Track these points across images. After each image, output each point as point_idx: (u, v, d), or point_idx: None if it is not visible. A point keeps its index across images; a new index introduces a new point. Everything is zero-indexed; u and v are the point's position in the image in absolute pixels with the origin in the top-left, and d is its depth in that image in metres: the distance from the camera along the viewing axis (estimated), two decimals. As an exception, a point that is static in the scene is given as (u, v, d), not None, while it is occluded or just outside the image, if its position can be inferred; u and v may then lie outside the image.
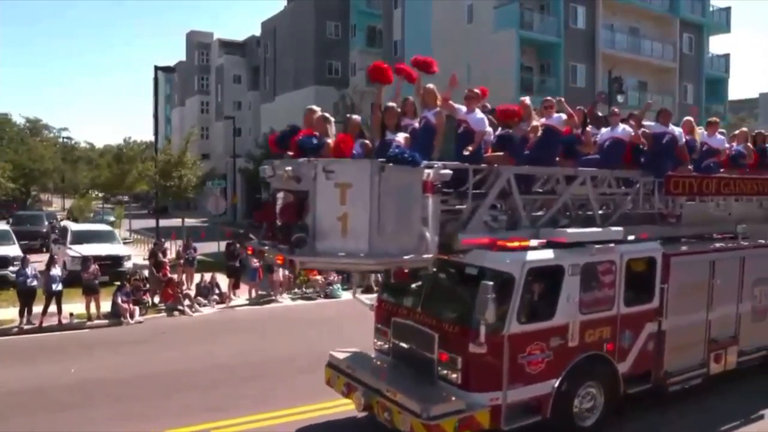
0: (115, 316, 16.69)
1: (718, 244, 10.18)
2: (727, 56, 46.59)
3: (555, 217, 8.73)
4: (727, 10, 45.81)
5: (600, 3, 39.94)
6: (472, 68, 38.99)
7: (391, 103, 8.01)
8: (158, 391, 10.74)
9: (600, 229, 8.43)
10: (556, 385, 7.97)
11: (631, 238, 8.84)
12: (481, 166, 8.04)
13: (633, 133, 9.27)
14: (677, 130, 9.87)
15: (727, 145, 11.13)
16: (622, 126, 9.37)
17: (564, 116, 8.62)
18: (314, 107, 7.92)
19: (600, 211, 9.63)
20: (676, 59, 43.13)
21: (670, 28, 43.20)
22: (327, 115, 7.74)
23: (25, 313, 15.85)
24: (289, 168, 7.10)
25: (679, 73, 43.35)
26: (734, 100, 57.48)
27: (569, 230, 8.09)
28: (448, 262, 8.12)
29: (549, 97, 8.82)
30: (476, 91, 8.47)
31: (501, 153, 8.31)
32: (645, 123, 10.01)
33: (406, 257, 6.90)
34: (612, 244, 8.36)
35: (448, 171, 7.23)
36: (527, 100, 8.61)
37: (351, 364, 8.62)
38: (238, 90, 65.74)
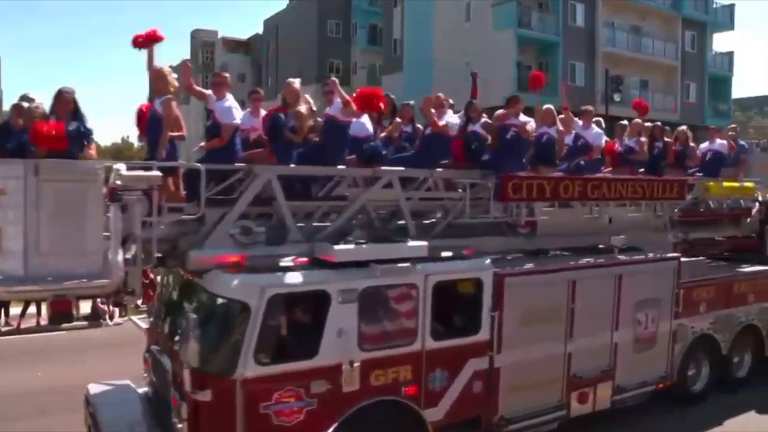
0: (95, 317, 15.58)
1: (584, 260, 8.09)
2: (730, 54, 43.25)
3: (349, 229, 6.81)
4: (731, 7, 42.52)
5: (600, 1, 37.56)
6: (471, 67, 37.10)
7: None
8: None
9: (388, 245, 6.47)
10: (326, 438, 6.10)
11: (447, 254, 6.85)
12: (231, 166, 6.22)
13: (445, 124, 7.28)
14: (523, 120, 7.81)
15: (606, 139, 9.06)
16: (448, 116, 7.41)
17: (339, 101, 6.68)
18: (27, 94, 6.18)
19: (433, 220, 7.73)
20: (678, 57, 40.33)
21: (673, 26, 40.46)
22: (27, 105, 6.00)
23: (2, 315, 14.91)
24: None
25: (682, 71, 40.60)
26: (744, 97, 53.91)
27: (339, 247, 6.16)
28: (193, 284, 6.33)
29: (332, 78, 6.92)
30: (225, 75, 6.65)
31: (260, 150, 6.47)
32: (499, 113, 8.03)
33: (68, 283, 5.14)
34: (410, 264, 6.42)
35: (150, 173, 5.43)
36: (296, 83, 6.71)
37: (97, 401, 6.88)
38: (243, 88, 63.30)
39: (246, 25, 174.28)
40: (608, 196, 8.24)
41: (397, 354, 6.45)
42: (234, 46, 65.09)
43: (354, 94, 6.69)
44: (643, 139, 9.22)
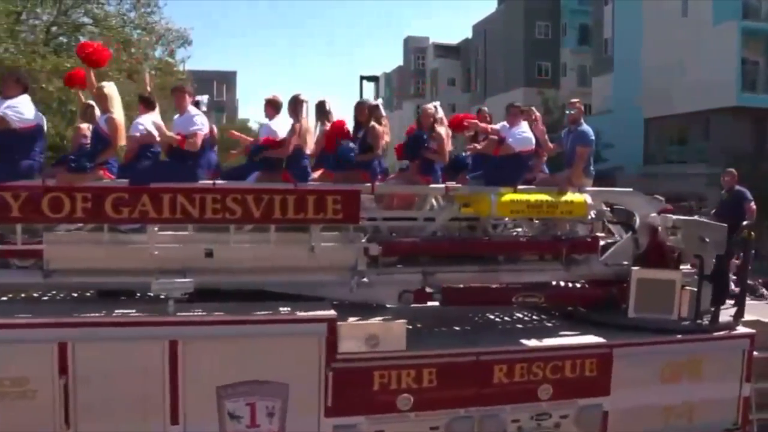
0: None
1: (97, 314, 4.96)
2: None
3: None
4: None
5: None
6: (687, 65, 30.33)
7: None
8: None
9: None
10: None
11: None
12: None
13: None
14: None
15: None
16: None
17: None
18: None
19: None
20: None
21: None
22: None
23: None
24: None
25: None
26: None
27: None
28: None
29: None
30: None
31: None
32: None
33: None
34: None
35: None
36: None
37: None
38: (452, 92, 61.09)
39: (458, 30, 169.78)
40: (157, 216, 4.96)
41: None
42: (444, 51, 64.03)
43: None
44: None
